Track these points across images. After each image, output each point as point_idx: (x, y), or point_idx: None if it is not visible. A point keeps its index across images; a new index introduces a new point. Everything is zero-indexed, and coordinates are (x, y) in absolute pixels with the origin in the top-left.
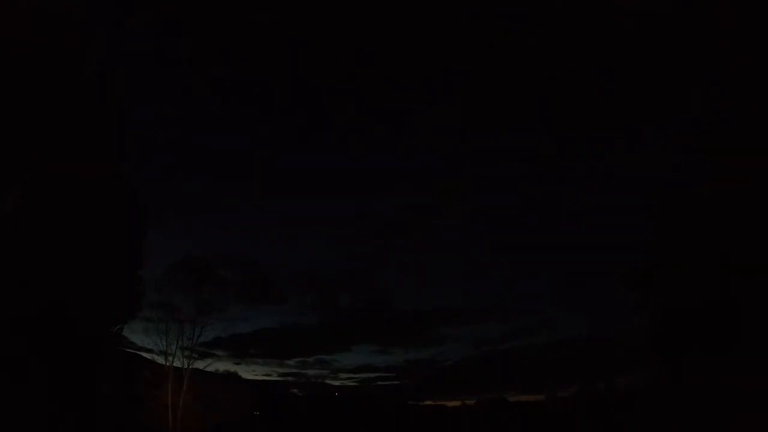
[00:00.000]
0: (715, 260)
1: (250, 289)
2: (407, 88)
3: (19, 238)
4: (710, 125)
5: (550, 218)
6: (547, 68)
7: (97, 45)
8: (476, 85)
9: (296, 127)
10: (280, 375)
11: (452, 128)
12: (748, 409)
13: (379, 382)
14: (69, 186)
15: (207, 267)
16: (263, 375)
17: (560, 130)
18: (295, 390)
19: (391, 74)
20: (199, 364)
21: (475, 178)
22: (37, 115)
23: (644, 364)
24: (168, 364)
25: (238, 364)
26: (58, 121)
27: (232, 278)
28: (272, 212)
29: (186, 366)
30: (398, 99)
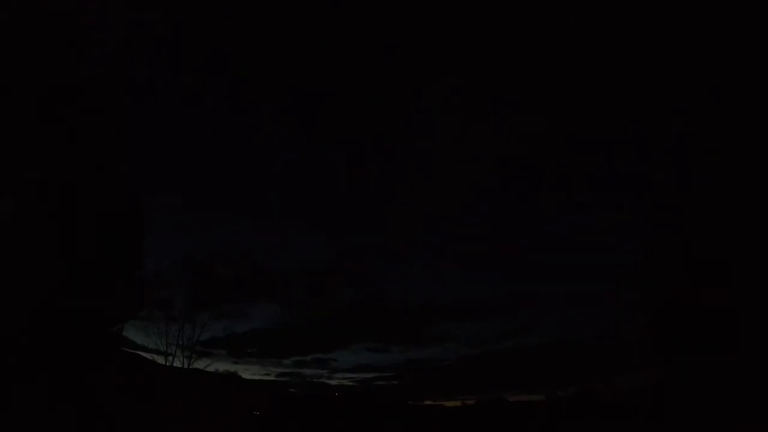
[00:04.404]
0: (715, 260)
1: (248, 286)
2: (405, 87)
3: (19, 238)
4: (710, 125)
5: (551, 217)
6: (545, 65)
7: (98, 45)
8: (474, 81)
9: (295, 125)
10: (278, 375)
11: (451, 124)
12: (748, 408)
13: (378, 382)
14: (69, 186)
15: (206, 266)
16: (261, 375)
17: (560, 130)
18: (293, 390)
19: (389, 73)
20: (199, 364)
21: (475, 177)
22: (38, 115)
23: (644, 364)
24: (168, 364)
25: (236, 363)
26: (58, 121)
27: (231, 276)
28: (270, 209)
29: (186, 366)
30: (397, 97)
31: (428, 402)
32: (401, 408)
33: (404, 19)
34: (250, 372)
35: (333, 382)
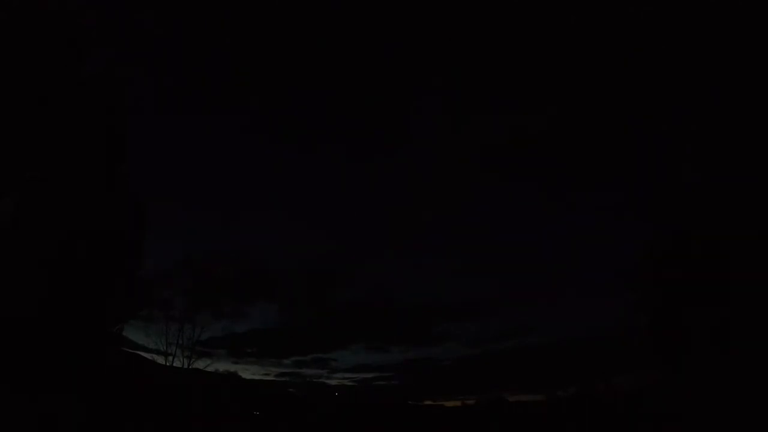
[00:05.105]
0: (715, 260)
1: (248, 286)
2: (405, 87)
3: (19, 237)
4: (710, 125)
5: (551, 217)
6: (545, 65)
7: (98, 45)
8: (474, 81)
9: (296, 125)
10: (278, 375)
11: (450, 124)
12: (748, 408)
13: (378, 382)
14: (69, 186)
15: (206, 266)
16: (261, 375)
17: (560, 130)
18: (293, 390)
19: (389, 73)
20: (199, 364)
21: (475, 177)
22: (38, 115)
23: (644, 364)
24: (168, 364)
25: (236, 363)
26: (58, 121)
27: (231, 276)
28: (271, 209)
29: (186, 366)
30: (397, 97)
31: (428, 402)
32: (401, 408)
33: (404, 19)
34: (249, 372)
35: (333, 382)
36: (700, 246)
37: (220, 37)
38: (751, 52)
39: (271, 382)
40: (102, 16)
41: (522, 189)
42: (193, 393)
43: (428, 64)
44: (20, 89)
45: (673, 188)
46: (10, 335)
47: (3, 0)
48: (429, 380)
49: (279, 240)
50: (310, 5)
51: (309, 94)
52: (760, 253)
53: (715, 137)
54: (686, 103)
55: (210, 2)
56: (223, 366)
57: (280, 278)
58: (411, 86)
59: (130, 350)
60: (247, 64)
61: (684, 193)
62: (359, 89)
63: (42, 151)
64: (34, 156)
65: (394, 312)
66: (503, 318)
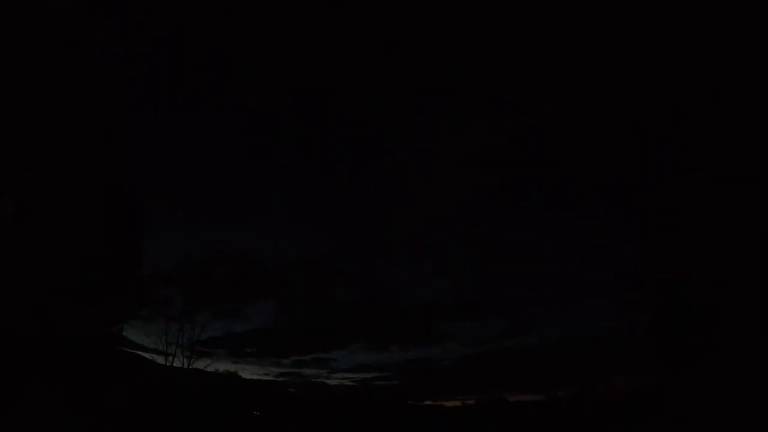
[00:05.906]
0: (715, 260)
1: (248, 286)
2: (405, 87)
3: (19, 237)
4: (710, 125)
5: (551, 217)
6: (544, 66)
7: (98, 45)
8: (474, 80)
9: (295, 125)
10: (277, 375)
11: (450, 124)
12: (748, 408)
13: (378, 382)
14: (69, 186)
15: (206, 266)
16: (261, 375)
17: (560, 130)
18: (293, 390)
19: (389, 73)
20: (199, 364)
21: (475, 177)
22: (38, 115)
23: (644, 364)
24: (168, 364)
25: (236, 363)
26: (58, 121)
27: (231, 276)
28: (271, 209)
29: (186, 366)
30: (397, 97)
31: (428, 402)
32: (401, 408)
33: (404, 19)
34: (249, 372)
35: (333, 382)
36: (700, 246)
37: (220, 37)
38: (751, 52)
39: (271, 382)
40: (102, 16)
41: (522, 189)
42: (193, 393)
43: (428, 64)
44: (20, 89)
45: (673, 188)
46: (10, 335)
47: (3, 0)
48: (429, 380)
49: (279, 240)
50: (310, 5)
51: (309, 94)
52: (760, 253)
53: (715, 137)
54: (686, 103)
55: (210, 2)
56: (223, 366)
57: (280, 278)
58: (411, 86)
59: (130, 350)
60: (247, 64)
61: (683, 193)
62: (359, 89)
63: (42, 151)
64: (34, 156)
65: (394, 312)
66: (503, 318)
